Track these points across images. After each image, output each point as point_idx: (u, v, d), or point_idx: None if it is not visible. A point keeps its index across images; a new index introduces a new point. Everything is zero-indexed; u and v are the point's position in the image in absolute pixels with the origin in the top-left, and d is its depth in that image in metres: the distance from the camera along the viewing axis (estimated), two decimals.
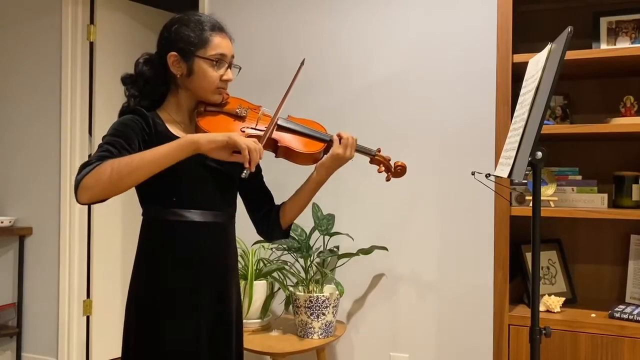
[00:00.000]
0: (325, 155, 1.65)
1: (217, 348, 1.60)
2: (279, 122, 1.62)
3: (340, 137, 1.62)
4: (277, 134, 1.60)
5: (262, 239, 2.62)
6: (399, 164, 1.72)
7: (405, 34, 2.72)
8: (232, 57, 1.60)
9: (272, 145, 1.60)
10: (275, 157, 1.63)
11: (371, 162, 1.72)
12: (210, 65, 1.55)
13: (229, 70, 1.59)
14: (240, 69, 1.65)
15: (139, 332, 1.55)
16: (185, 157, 1.41)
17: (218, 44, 1.55)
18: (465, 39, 2.60)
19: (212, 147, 1.40)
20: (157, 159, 1.38)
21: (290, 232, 1.77)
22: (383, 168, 1.72)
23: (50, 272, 3.55)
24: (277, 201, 1.76)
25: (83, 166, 1.38)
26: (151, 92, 1.59)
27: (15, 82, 3.69)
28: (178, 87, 1.60)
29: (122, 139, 1.45)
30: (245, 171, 1.42)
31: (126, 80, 1.61)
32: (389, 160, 1.72)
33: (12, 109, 3.70)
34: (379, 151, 1.71)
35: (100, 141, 1.46)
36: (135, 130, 1.49)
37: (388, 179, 1.73)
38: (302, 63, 1.63)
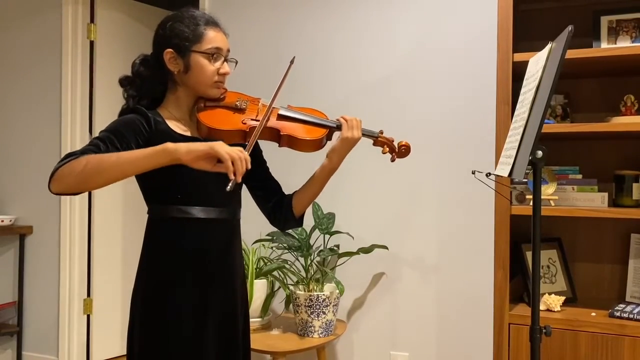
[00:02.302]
0: (330, 141, 1.66)
1: (223, 345, 1.60)
2: (279, 112, 1.62)
3: (345, 120, 1.63)
4: (278, 123, 1.60)
5: (263, 238, 2.65)
6: (403, 143, 1.72)
7: (406, 32, 2.72)
8: (228, 51, 1.61)
9: (275, 135, 1.60)
10: (279, 146, 1.63)
11: (375, 144, 1.72)
12: (207, 59, 1.55)
13: (225, 63, 1.59)
14: (236, 62, 1.65)
15: (144, 329, 1.55)
16: (163, 165, 1.36)
17: (213, 37, 1.56)
18: (466, 37, 2.60)
19: (192, 157, 1.34)
20: (131, 162, 1.35)
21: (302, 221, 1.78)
22: (387, 149, 1.72)
23: (51, 270, 3.55)
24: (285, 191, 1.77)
25: (66, 156, 1.38)
26: (149, 91, 1.59)
27: (16, 81, 3.69)
28: (176, 84, 1.60)
29: (115, 136, 1.45)
30: (230, 183, 1.35)
31: (123, 82, 1.61)
32: (393, 141, 1.73)
33: (13, 107, 3.70)
34: (382, 133, 1.71)
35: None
36: (134, 129, 1.48)
37: (393, 160, 1.73)
38: (292, 62, 1.63)
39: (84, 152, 1.38)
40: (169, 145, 1.35)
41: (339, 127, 1.65)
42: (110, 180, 1.36)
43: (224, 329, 1.61)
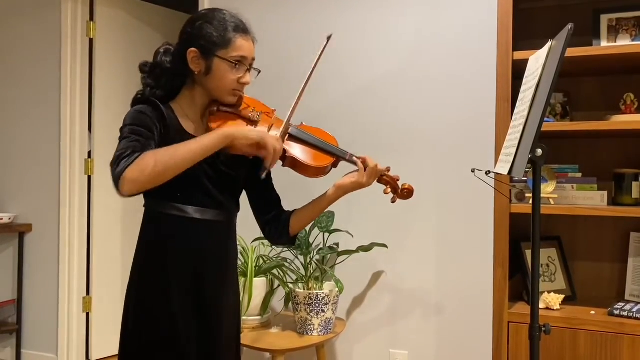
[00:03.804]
0: (335, 168, 1.62)
1: (209, 344, 1.60)
2: (290, 131, 1.59)
3: (366, 166, 1.60)
4: (286, 143, 1.57)
5: (263, 236, 2.64)
6: (406, 186, 1.67)
7: (406, 31, 2.72)
8: (253, 59, 1.58)
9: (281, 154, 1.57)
10: (282, 165, 1.60)
11: (378, 181, 1.67)
12: (230, 67, 1.53)
13: (247, 73, 1.57)
14: (259, 72, 1.63)
15: (136, 322, 1.56)
16: (219, 149, 1.46)
17: (240, 45, 1.53)
18: (466, 36, 2.60)
19: (245, 144, 1.46)
20: (197, 152, 1.42)
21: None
22: (390, 190, 1.67)
23: (50, 268, 3.55)
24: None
25: (120, 158, 1.37)
26: (167, 83, 1.58)
27: (15, 79, 3.69)
28: (194, 83, 1.58)
29: (143, 127, 1.45)
30: (265, 172, 1.49)
31: (143, 68, 1.59)
32: (397, 180, 1.68)
33: (12, 106, 3.70)
34: (388, 170, 1.67)
35: (121, 131, 1.46)
36: (152, 120, 1.49)
37: (394, 201, 1.69)
38: (329, 38, 1.61)
39: (131, 149, 1.39)
40: (226, 131, 1.46)
41: (353, 162, 1.61)
42: (178, 172, 1.41)
43: (213, 330, 1.60)
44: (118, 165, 1.35)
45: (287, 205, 1.75)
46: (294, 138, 1.59)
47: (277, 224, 1.70)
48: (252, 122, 1.57)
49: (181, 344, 1.55)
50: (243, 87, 1.58)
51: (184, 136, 1.53)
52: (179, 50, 1.57)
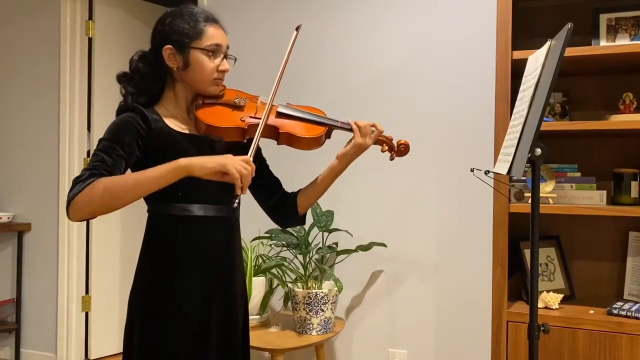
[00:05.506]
0: (329, 139, 1.66)
1: (223, 342, 1.60)
2: (278, 109, 1.62)
3: (359, 127, 1.64)
4: (277, 121, 1.60)
5: (262, 235, 2.65)
6: (402, 142, 1.72)
7: (405, 30, 2.71)
8: (228, 47, 1.61)
9: (274, 133, 1.60)
10: (277, 144, 1.63)
11: (374, 142, 1.71)
12: (206, 55, 1.55)
13: (225, 60, 1.59)
14: (235, 59, 1.65)
15: (144, 326, 1.55)
16: (176, 180, 1.41)
17: (213, 34, 1.56)
18: (465, 35, 2.60)
19: (204, 173, 1.40)
20: (149, 183, 1.40)
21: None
22: (386, 147, 1.72)
23: (49, 268, 3.55)
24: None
25: (75, 181, 1.38)
26: (148, 88, 1.59)
27: (14, 78, 3.68)
28: (175, 81, 1.59)
29: (117, 144, 1.45)
30: (236, 200, 1.44)
31: (121, 78, 1.60)
32: (392, 139, 1.73)
33: (11, 105, 3.70)
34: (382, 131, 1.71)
35: (97, 143, 1.47)
36: (132, 131, 1.48)
37: (392, 158, 1.74)
38: (297, 29, 1.63)
39: (93, 172, 1.39)
40: (182, 162, 1.40)
41: (345, 128, 1.65)
42: (127, 204, 1.40)
43: (225, 326, 1.60)
44: (72, 188, 1.37)
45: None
46: (283, 115, 1.63)
47: (284, 206, 1.73)
48: (238, 108, 1.59)
49: (187, 345, 1.54)
50: (223, 75, 1.60)
51: (174, 137, 1.53)
52: (154, 51, 1.58)
